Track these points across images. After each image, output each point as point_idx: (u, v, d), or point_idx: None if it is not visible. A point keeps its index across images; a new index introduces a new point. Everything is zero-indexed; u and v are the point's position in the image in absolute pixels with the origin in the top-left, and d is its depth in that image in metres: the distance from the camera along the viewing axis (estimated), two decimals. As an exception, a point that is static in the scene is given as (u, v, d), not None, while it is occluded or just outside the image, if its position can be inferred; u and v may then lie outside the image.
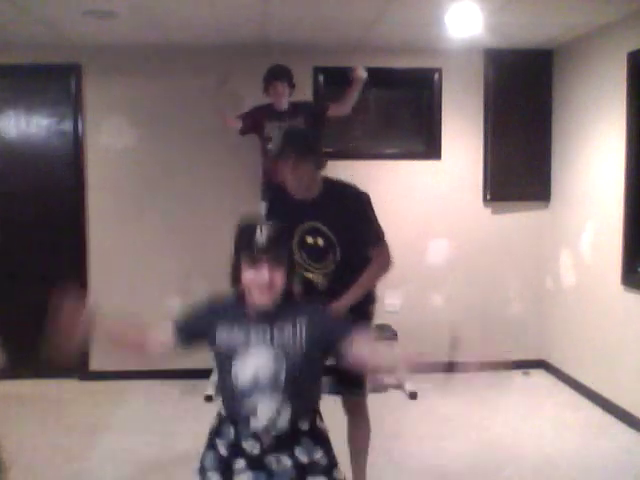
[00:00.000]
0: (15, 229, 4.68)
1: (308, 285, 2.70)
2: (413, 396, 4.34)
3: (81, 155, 4.67)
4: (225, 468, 1.93)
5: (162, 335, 2.00)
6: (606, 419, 3.99)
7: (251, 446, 1.91)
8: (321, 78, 4.75)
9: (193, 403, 4.23)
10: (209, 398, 4.24)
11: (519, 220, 4.96)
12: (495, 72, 4.80)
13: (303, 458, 1.91)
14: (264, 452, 1.89)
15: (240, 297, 1.96)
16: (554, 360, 4.88)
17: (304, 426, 1.94)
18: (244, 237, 1.93)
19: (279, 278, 1.89)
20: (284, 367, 1.88)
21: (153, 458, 3.46)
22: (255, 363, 1.88)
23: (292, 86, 4.23)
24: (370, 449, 3.55)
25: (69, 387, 4.61)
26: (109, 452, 3.54)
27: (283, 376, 1.89)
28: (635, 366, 3.81)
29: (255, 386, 1.87)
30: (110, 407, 4.22)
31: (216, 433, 1.98)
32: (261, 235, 1.89)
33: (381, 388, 4.57)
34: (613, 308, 4.05)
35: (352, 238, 2.64)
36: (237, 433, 1.93)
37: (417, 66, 4.81)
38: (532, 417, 4.05)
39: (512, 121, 4.84)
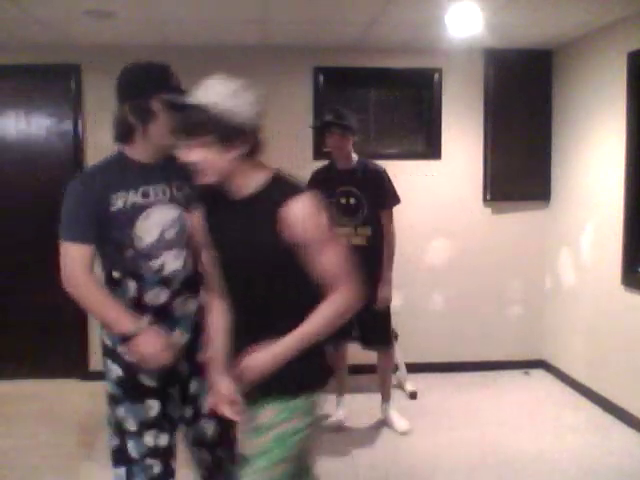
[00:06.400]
0: (15, 229, 4.69)
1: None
2: (413, 396, 4.34)
3: (81, 155, 4.67)
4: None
5: (80, 256, 2.01)
6: (606, 419, 3.99)
7: (156, 295, 2.01)
8: (321, 78, 4.75)
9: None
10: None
11: (519, 220, 4.96)
12: (495, 72, 4.80)
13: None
14: (172, 297, 2.03)
15: (125, 158, 2.02)
16: (554, 360, 4.87)
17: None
18: (159, 78, 2.03)
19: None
20: (189, 224, 2.01)
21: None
22: (160, 221, 1.99)
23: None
24: (370, 449, 3.57)
25: (69, 387, 4.61)
26: (109, 452, 3.53)
27: (189, 232, 2.02)
28: (635, 366, 3.81)
29: (161, 244, 1.99)
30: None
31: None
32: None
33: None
34: (613, 308, 4.04)
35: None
36: (139, 287, 2.01)
37: (417, 66, 4.81)
38: (532, 417, 4.05)
39: (512, 121, 4.85)
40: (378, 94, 4.89)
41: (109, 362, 2.11)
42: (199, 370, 2.10)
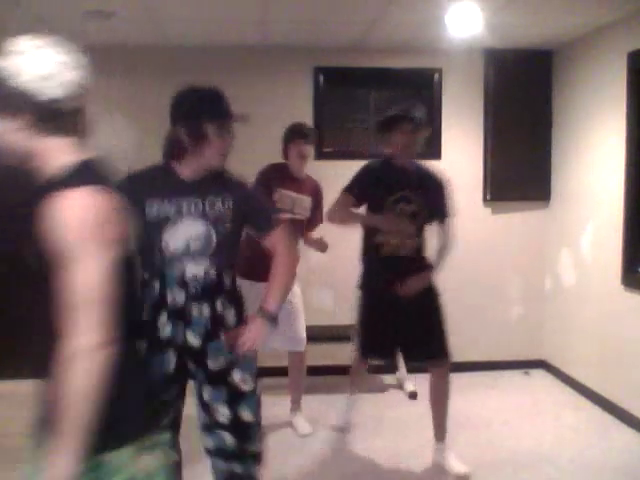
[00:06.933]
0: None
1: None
2: (413, 396, 4.33)
3: (81, 155, 4.67)
4: (151, 329, 2.11)
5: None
6: (606, 419, 3.99)
7: (175, 294, 2.10)
8: (321, 78, 4.76)
9: (192, 402, 4.23)
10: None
11: (519, 220, 4.96)
12: (495, 72, 4.80)
13: (220, 310, 2.15)
14: (189, 299, 2.11)
15: (168, 170, 2.14)
16: (554, 360, 4.87)
17: (227, 282, 2.17)
18: (212, 105, 2.12)
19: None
20: (214, 238, 2.12)
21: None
22: (188, 232, 2.10)
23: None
24: (370, 449, 3.57)
25: (69, 387, 4.61)
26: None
27: (214, 245, 2.12)
28: (635, 366, 3.81)
29: (186, 252, 2.10)
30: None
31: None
32: (226, 103, 2.12)
33: (381, 388, 4.59)
34: (613, 308, 4.04)
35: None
36: (162, 286, 2.11)
37: (417, 66, 4.81)
38: (532, 417, 4.05)
39: (512, 121, 4.85)
40: (378, 94, 4.89)
41: None
42: (212, 377, 2.17)
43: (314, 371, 4.45)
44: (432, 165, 3.53)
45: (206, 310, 2.14)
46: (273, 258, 2.24)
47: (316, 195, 3.73)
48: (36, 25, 3.97)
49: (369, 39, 4.44)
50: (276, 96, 4.68)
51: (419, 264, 3.26)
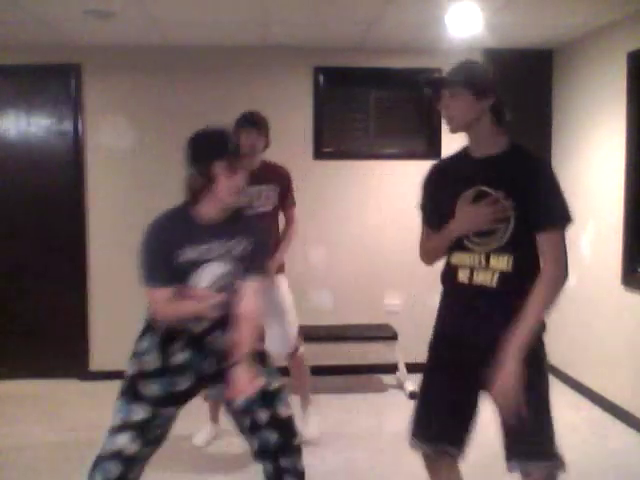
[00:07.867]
0: (14, 229, 4.69)
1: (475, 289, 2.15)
2: (413, 396, 4.33)
3: (81, 155, 4.67)
4: (162, 347, 2.23)
5: (163, 297, 2.21)
6: (606, 419, 3.99)
7: (197, 324, 2.25)
8: (321, 78, 4.76)
9: (192, 402, 4.22)
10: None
11: (519, 220, 4.96)
12: (495, 72, 4.79)
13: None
14: (207, 330, 2.26)
15: (190, 215, 2.22)
16: (554, 360, 4.87)
17: (235, 310, 2.27)
18: (217, 144, 2.17)
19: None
20: (238, 274, 2.25)
21: (154, 457, 3.44)
22: (215, 272, 2.22)
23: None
24: (370, 450, 3.56)
25: (69, 387, 4.61)
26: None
27: (236, 280, 2.25)
28: (635, 366, 3.81)
29: (212, 288, 2.21)
30: (110, 407, 4.21)
31: (152, 323, 2.29)
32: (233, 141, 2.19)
33: (381, 388, 4.59)
34: (613, 308, 4.04)
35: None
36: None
37: (417, 66, 4.81)
38: (532, 417, 4.04)
39: (512, 121, 4.83)
40: (378, 94, 4.89)
41: (131, 362, 2.31)
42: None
43: (314, 371, 4.45)
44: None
45: (220, 340, 2.26)
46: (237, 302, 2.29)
47: (280, 180, 3.47)
48: (36, 25, 3.98)
49: (369, 39, 4.44)
50: (276, 96, 4.68)
51: (508, 302, 2.06)
